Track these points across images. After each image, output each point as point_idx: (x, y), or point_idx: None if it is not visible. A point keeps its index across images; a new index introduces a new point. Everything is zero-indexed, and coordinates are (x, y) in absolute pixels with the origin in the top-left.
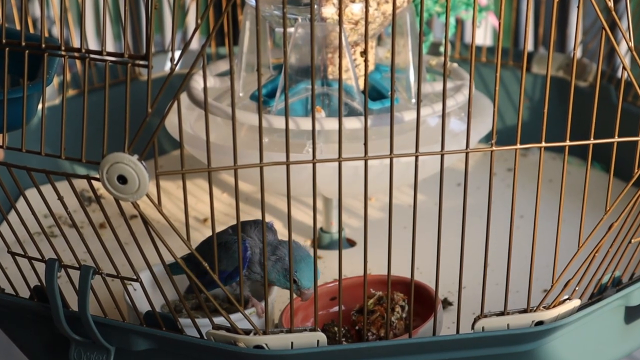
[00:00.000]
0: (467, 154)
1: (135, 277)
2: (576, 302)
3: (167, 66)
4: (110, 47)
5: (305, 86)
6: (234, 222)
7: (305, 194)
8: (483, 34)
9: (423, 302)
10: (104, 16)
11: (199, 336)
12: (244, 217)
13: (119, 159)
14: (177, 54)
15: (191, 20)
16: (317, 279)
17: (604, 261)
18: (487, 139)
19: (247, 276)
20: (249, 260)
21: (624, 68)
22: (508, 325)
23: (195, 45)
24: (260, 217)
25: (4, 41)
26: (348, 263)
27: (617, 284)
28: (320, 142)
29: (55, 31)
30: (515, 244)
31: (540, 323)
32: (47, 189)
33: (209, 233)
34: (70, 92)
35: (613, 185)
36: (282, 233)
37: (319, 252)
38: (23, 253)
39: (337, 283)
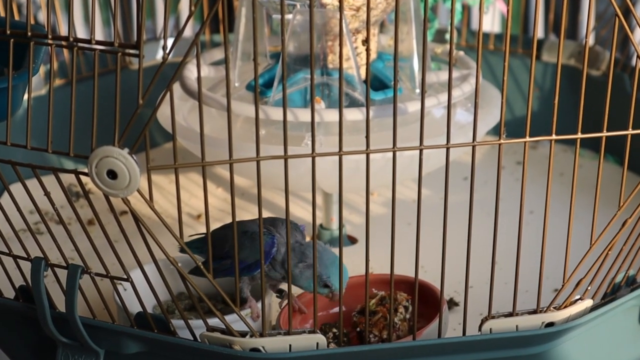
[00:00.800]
0: (474, 147)
1: (125, 277)
2: (588, 303)
3: (159, 55)
4: (98, 33)
5: (303, 76)
6: (229, 218)
7: (304, 188)
8: (491, 20)
9: (428, 302)
10: (92, 2)
11: (192, 338)
12: (239, 213)
13: (109, 153)
14: (170, 41)
15: (184, 6)
16: (347, 278)
17: (618, 259)
18: (495, 131)
19: (267, 273)
20: (273, 257)
21: (638, 56)
22: (517, 326)
23: (188, 32)
24: (279, 215)
25: None
26: (349, 261)
27: (632, 283)
28: (319, 135)
29: (42, 17)
30: (524, 241)
31: (550, 324)
32: (33, 183)
33: (202, 230)
34: (57, 82)
35: (627, 179)
36: None
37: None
38: (7, 251)
39: None
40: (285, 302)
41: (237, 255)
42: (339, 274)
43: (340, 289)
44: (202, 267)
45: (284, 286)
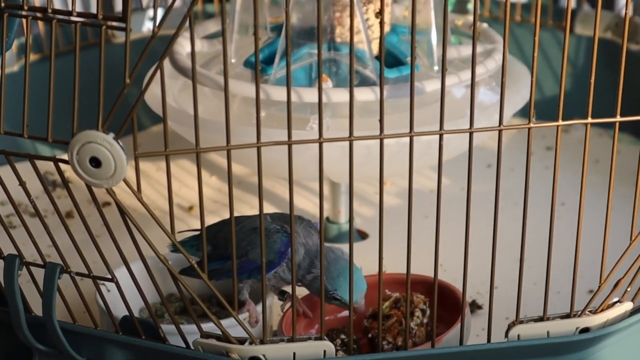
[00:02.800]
0: (500, 131)
1: (109, 276)
2: (628, 306)
3: (147, 27)
4: (78, 2)
5: (308, 51)
6: (225, 210)
7: (309, 177)
8: None
9: (448, 305)
10: None
11: (184, 346)
12: (237, 205)
13: (92, 138)
14: (160, 12)
15: None
16: (364, 290)
17: None
18: (523, 113)
19: (280, 275)
20: (287, 258)
21: None
22: (548, 332)
23: (179, 1)
24: (280, 209)
25: None
26: (359, 259)
27: None
28: (327, 117)
29: None
30: (556, 236)
31: (585, 330)
32: (5, 171)
33: (195, 223)
34: (33, 57)
35: None
36: None
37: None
38: None
39: None
40: (288, 305)
41: (234, 254)
42: (354, 286)
43: (350, 298)
44: (196, 266)
45: (287, 288)
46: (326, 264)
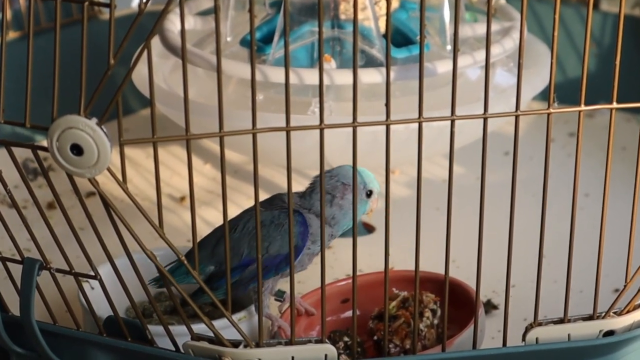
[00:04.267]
0: (517, 116)
1: (92, 273)
2: None
3: (135, 3)
4: None
5: (310, 29)
6: (219, 200)
7: (309, 166)
8: None
9: (460, 305)
10: None
11: (173, 349)
12: (232, 195)
13: (73, 124)
14: None
15: None
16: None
17: None
18: (543, 96)
19: (309, 252)
20: (310, 232)
21: None
22: (569, 335)
23: None
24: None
25: None
26: (364, 255)
27: None
28: (329, 101)
29: None
30: (578, 231)
31: (610, 333)
32: None
33: (187, 215)
34: (11, 35)
35: None
36: None
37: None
38: None
39: (350, 281)
40: (287, 305)
41: (228, 254)
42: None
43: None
44: (188, 265)
45: (284, 285)
46: (344, 172)
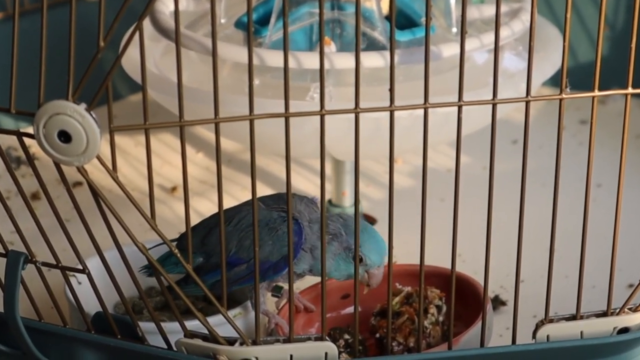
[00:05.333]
0: (527, 102)
1: (80, 267)
2: None
3: None
4: None
5: (309, 10)
6: (214, 192)
7: (309, 154)
8: None
9: (466, 301)
10: None
11: (166, 346)
12: (226, 185)
13: (61, 109)
14: None
15: None
16: (386, 251)
17: None
18: (554, 82)
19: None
20: (303, 247)
21: None
22: (582, 333)
23: None
24: (276, 190)
25: None
26: None
27: None
28: (329, 86)
29: None
30: (591, 223)
31: (624, 330)
32: None
33: (178, 206)
34: None
35: None
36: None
37: None
38: None
39: None
40: (285, 301)
41: (223, 252)
42: (378, 245)
43: (389, 262)
44: (180, 257)
45: (284, 283)
46: (343, 223)
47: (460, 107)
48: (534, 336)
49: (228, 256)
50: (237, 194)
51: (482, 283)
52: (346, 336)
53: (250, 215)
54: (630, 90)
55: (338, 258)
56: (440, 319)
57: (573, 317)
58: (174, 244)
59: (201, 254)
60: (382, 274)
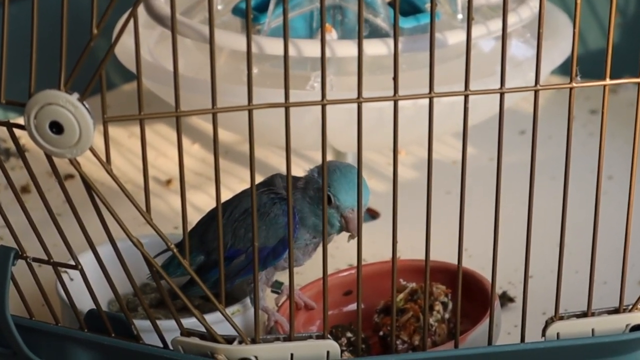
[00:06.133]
0: (536, 91)
1: (72, 263)
2: None
3: None
4: None
5: None
6: (210, 184)
7: (309, 146)
8: None
9: (473, 297)
10: None
11: (161, 345)
12: (223, 178)
13: (53, 99)
14: None
15: None
16: (367, 197)
17: None
18: (564, 70)
19: (301, 246)
20: (298, 225)
21: None
22: (593, 330)
23: None
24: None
25: None
26: (369, 242)
27: None
28: (330, 75)
29: None
30: (602, 216)
31: (637, 328)
32: None
33: (174, 199)
34: None
35: None
36: None
37: None
38: None
39: (352, 272)
40: (285, 297)
41: (221, 242)
42: (349, 184)
43: (359, 207)
44: (176, 252)
45: (282, 277)
46: (318, 169)
47: (466, 97)
48: (543, 334)
49: (226, 251)
50: (234, 186)
51: (489, 279)
52: (348, 334)
53: (241, 204)
54: None
55: (313, 206)
56: (446, 316)
57: (584, 314)
58: (177, 250)
59: (202, 253)
60: (361, 219)
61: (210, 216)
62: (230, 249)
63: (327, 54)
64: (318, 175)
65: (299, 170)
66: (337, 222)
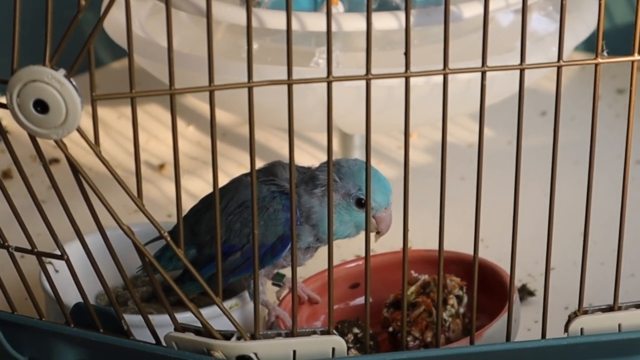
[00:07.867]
0: (559, 68)
1: (58, 253)
2: None
3: None
4: None
5: None
6: (205, 169)
7: (313, 127)
8: None
9: (490, 290)
10: None
11: (154, 341)
12: (221, 162)
13: (37, 76)
14: None
15: None
16: (391, 192)
17: None
18: (588, 46)
19: (302, 246)
20: (300, 221)
21: None
22: (619, 325)
23: None
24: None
25: None
26: None
27: None
28: (336, 50)
29: None
30: (629, 204)
31: None
32: None
33: (167, 185)
34: None
35: None
36: None
37: None
38: None
39: (360, 263)
40: (287, 290)
41: (218, 233)
42: (380, 183)
43: (367, 193)
44: (169, 241)
45: (285, 270)
46: (338, 165)
47: (483, 73)
48: (566, 329)
49: (221, 243)
50: (232, 172)
51: (507, 271)
52: (355, 330)
53: (238, 195)
54: None
55: (339, 209)
56: (461, 310)
57: (610, 309)
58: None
59: (194, 246)
60: (391, 217)
61: (205, 204)
62: (225, 244)
63: (333, 28)
64: (340, 179)
65: (303, 154)
66: (359, 219)
